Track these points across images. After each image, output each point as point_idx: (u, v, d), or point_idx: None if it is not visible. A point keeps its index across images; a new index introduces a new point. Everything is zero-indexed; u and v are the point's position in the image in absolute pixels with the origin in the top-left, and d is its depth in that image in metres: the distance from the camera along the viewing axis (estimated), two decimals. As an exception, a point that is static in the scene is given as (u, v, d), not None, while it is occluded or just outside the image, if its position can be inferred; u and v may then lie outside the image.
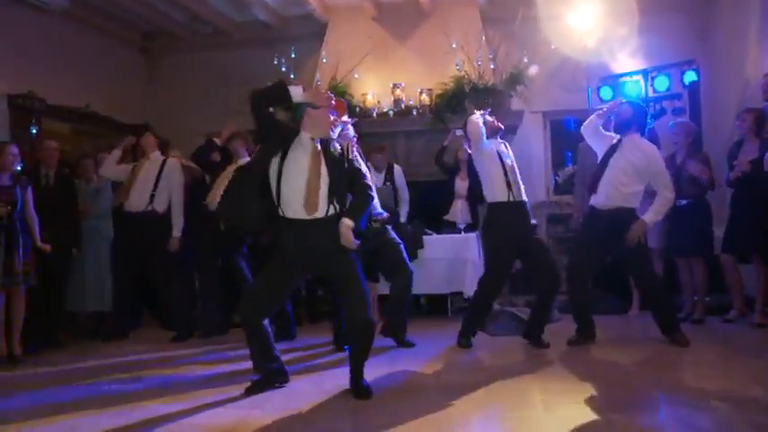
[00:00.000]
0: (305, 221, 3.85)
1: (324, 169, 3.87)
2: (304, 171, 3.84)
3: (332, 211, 3.87)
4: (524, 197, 5.25)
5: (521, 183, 5.24)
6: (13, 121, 7.49)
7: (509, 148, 5.39)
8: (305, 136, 3.93)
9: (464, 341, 5.25)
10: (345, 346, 4.97)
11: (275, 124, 3.97)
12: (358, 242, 3.85)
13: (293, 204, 3.85)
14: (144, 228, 6.15)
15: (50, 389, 4.36)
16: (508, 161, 5.22)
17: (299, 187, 3.83)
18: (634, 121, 5.15)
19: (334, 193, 3.87)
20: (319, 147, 3.91)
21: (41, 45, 8.17)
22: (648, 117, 5.38)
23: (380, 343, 5.29)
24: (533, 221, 5.39)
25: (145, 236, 6.13)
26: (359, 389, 3.88)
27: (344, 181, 3.94)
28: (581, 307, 5.28)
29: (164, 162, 6.34)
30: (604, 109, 5.34)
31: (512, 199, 5.16)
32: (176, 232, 6.22)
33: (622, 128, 5.19)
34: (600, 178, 5.14)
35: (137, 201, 6.20)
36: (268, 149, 3.96)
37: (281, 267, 3.96)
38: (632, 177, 5.06)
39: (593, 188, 5.21)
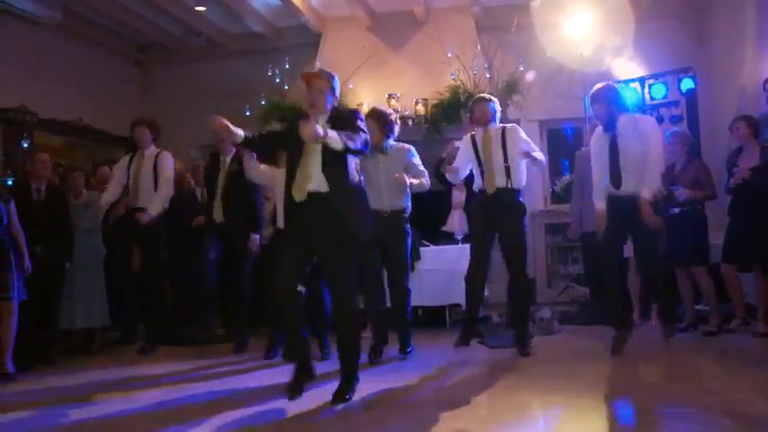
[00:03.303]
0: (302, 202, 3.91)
1: (317, 150, 3.89)
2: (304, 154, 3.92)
3: (323, 188, 3.89)
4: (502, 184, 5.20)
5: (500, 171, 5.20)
6: (5, 136, 7.45)
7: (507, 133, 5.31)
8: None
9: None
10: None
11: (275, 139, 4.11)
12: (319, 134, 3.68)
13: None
14: (153, 225, 6.14)
15: (43, 408, 4.27)
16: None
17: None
18: (614, 109, 5.08)
19: (327, 166, 3.88)
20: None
21: (34, 58, 8.12)
22: (620, 93, 5.25)
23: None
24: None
25: (151, 233, 6.15)
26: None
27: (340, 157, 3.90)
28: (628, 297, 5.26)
29: (157, 156, 6.29)
30: None
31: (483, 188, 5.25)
32: (150, 210, 6.13)
33: (611, 124, 5.08)
34: (618, 171, 5.03)
35: (145, 198, 6.20)
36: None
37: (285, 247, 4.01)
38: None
39: (617, 183, 5.06)
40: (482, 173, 5.27)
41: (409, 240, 5.32)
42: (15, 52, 7.85)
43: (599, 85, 5.23)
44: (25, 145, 7.46)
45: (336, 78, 4.11)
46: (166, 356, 5.94)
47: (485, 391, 4.13)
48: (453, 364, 5.06)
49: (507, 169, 5.19)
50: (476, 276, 5.31)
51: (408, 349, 5.31)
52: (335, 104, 4.17)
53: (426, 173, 5.39)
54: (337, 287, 4.04)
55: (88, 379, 5.16)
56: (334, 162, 3.90)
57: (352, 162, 4.05)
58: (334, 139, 3.71)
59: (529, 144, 5.26)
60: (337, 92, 4.14)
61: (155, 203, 6.16)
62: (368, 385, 4.26)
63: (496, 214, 5.20)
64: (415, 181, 5.21)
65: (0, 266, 5.20)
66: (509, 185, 5.19)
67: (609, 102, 5.10)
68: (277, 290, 3.94)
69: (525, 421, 3.55)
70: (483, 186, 5.28)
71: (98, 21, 9.00)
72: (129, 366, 5.57)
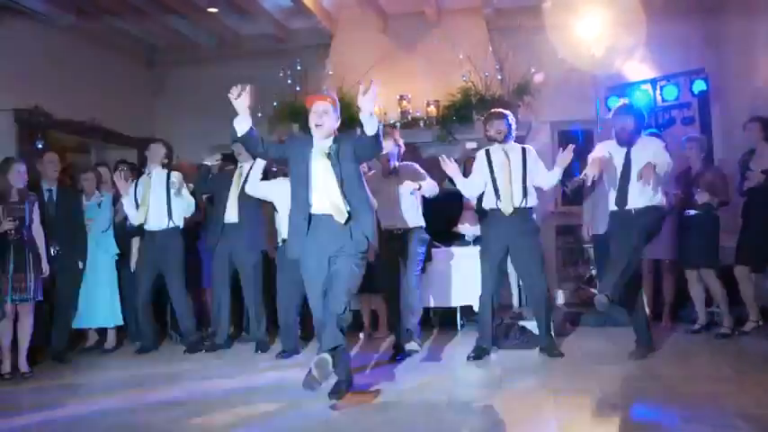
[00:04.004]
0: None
1: (331, 171, 4.01)
2: (317, 174, 4.05)
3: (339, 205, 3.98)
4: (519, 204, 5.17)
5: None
6: (20, 136, 7.48)
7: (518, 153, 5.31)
8: (315, 142, 4.13)
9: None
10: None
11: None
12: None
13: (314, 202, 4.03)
14: (168, 243, 6.16)
15: (56, 407, 4.30)
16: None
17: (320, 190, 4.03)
18: (639, 126, 5.06)
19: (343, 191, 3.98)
20: (327, 149, 4.06)
21: (47, 60, 8.16)
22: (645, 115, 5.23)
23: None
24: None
25: (169, 252, 6.16)
26: None
27: (353, 173, 4.04)
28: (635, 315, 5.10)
29: (168, 175, 6.30)
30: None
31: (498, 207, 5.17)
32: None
33: (632, 138, 5.04)
34: (627, 188, 4.97)
35: (155, 219, 6.18)
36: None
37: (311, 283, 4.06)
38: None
39: (622, 202, 5.01)
40: (496, 190, 5.20)
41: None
42: (29, 54, 7.88)
43: (626, 100, 5.23)
44: (39, 146, 7.50)
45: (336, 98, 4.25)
46: (180, 356, 5.98)
47: (497, 393, 4.14)
48: (466, 365, 5.06)
49: (525, 189, 5.18)
50: (488, 307, 5.27)
51: (398, 356, 5.28)
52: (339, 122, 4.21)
53: (429, 178, 5.48)
54: (339, 284, 3.91)
55: (102, 377, 5.22)
56: (351, 179, 4.03)
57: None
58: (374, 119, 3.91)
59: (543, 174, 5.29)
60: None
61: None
62: (381, 386, 4.28)
63: (513, 234, 5.15)
64: (423, 183, 5.35)
65: (19, 269, 5.26)
66: (525, 204, 5.18)
67: (637, 118, 5.05)
68: (316, 323, 4.09)
69: (538, 422, 3.56)
70: (497, 205, 5.20)
71: (111, 22, 9.03)
72: (141, 365, 5.61)
